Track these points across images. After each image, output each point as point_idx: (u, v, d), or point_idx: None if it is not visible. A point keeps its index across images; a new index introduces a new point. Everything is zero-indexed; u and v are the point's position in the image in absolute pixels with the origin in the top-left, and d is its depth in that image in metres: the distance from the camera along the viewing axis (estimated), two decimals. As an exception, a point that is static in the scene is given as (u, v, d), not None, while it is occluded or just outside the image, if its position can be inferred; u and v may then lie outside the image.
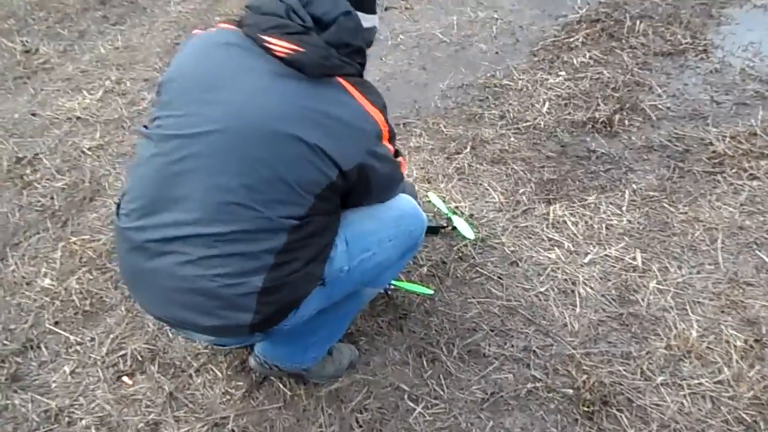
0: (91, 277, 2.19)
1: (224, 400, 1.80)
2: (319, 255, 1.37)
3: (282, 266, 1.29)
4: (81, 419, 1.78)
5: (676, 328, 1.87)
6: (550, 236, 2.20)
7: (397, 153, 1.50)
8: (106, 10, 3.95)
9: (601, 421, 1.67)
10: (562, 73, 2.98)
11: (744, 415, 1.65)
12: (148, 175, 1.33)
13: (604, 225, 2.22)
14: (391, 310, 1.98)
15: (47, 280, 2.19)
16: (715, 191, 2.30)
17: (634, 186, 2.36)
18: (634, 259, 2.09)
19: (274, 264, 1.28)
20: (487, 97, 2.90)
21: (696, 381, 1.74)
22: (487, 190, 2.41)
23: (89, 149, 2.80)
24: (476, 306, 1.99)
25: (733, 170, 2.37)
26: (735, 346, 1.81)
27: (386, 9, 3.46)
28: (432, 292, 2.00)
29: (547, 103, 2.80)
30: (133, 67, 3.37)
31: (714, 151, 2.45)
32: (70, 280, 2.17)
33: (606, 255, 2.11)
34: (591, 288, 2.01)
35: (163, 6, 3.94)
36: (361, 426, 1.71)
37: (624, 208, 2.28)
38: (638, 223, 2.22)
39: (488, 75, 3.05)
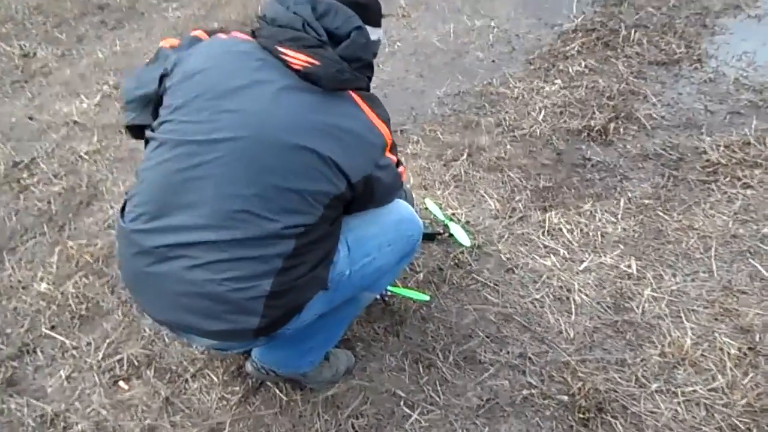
0: (87, 282, 2.19)
1: (220, 405, 1.80)
2: (325, 259, 1.39)
3: (290, 270, 1.31)
4: (77, 424, 1.78)
5: (671, 335, 1.89)
6: (546, 243, 2.21)
7: (398, 163, 1.53)
8: (105, 15, 3.96)
9: (596, 427, 1.68)
10: (558, 81, 3.00)
11: (738, 423, 1.66)
12: (158, 179, 1.33)
13: (599, 232, 2.23)
14: (387, 317, 1.99)
15: (44, 285, 2.19)
16: (709, 200, 2.32)
17: (629, 194, 2.38)
18: (629, 266, 2.10)
19: (282, 268, 1.29)
20: (484, 105, 2.92)
21: (690, 388, 1.75)
22: (484, 197, 2.42)
23: (86, 154, 2.81)
24: (472, 312, 2.00)
25: (727, 179, 2.39)
26: (729, 353, 1.82)
27: (383, 17, 3.47)
28: (428, 298, 2.01)
29: (542, 111, 2.82)
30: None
31: (708, 160, 2.48)
32: (66, 285, 2.18)
33: (601, 262, 2.13)
34: (586, 295, 2.03)
35: (161, 12, 3.95)
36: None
37: (619, 216, 2.29)
38: (633, 230, 2.23)
39: (485, 83, 3.07)
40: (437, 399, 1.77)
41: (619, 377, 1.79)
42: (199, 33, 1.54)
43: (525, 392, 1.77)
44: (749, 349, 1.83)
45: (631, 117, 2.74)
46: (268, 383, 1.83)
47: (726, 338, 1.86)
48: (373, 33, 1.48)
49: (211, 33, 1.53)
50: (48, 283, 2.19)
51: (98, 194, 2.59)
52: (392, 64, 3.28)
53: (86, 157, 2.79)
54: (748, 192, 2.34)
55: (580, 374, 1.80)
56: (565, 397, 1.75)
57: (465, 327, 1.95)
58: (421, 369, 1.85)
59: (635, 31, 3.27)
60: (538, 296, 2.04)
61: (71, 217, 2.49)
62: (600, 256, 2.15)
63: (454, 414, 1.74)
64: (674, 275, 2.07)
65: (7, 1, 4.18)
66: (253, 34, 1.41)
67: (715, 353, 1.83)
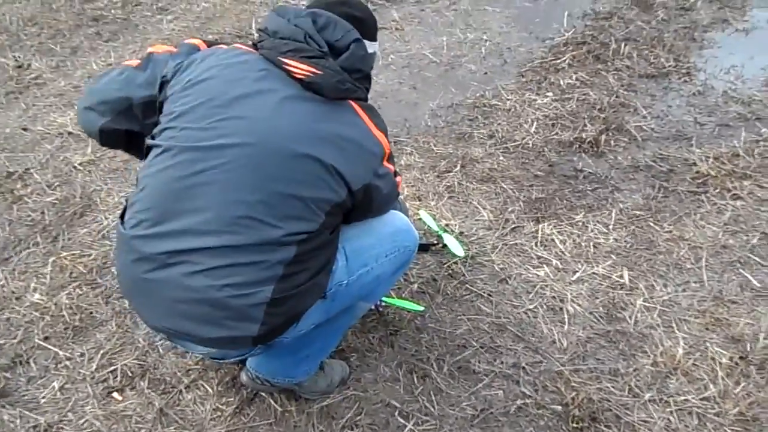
0: (81, 293, 2.19)
1: (215, 416, 1.80)
2: (324, 267, 1.40)
3: (291, 277, 1.32)
4: (70, 435, 1.78)
5: (663, 345, 1.90)
6: (539, 254, 2.23)
7: (395, 173, 1.54)
8: (99, 26, 3.97)
9: (589, 437, 1.69)
10: (550, 94, 3.04)
11: (729, 432, 1.68)
12: (160, 185, 1.34)
13: (591, 243, 2.25)
14: (382, 327, 2.00)
15: (37, 295, 2.18)
16: (699, 210, 2.35)
17: (621, 205, 2.41)
18: (621, 277, 2.12)
19: (283, 275, 1.30)
20: (477, 117, 2.94)
21: (682, 398, 1.77)
22: (477, 208, 2.44)
23: (80, 164, 2.81)
24: (466, 323, 2.01)
25: (717, 190, 2.42)
26: (720, 363, 1.84)
27: (378, 29, 3.50)
28: (422, 308, 2.02)
29: (535, 123, 2.85)
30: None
31: (698, 172, 2.51)
32: (60, 296, 2.17)
33: (593, 273, 2.15)
34: (579, 305, 2.04)
35: (155, 24, 3.97)
36: (352, 442, 1.72)
37: (611, 227, 2.32)
38: (625, 241, 2.26)
39: (477, 95, 3.10)
40: (432, 409, 1.78)
41: (612, 387, 1.80)
42: (196, 42, 1.55)
43: (519, 402, 1.78)
44: (740, 358, 1.85)
45: (621, 129, 2.77)
46: (263, 394, 1.83)
47: (717, 348, 1.88)
48: (370, 47, 1.51)
49: (209, 43, 1.54)
50: (41, 294, 2.18)
51: (92, 205, 2.59)
52: (386, 76, 3.31)
53: (80, 167, 2.79)
54: (738, 203, 2.37)
55: (573, 384, 1.81)
56: (559, 407, 1.76)
57: (459, 337, 1.96)
58: (415, 379, 1.86)
59: (625, 45, 3.31)
60: (531, 306, 2.05)
61: (65, 227, 2.48)
62: (592, 267, 2.17)
63: (448, 424, 1.74)
64: (666, 285, 2.09)
65: (1, 12, 4.19)
66: (254, 46, 1.43)
67: (707, 363, 1.85)
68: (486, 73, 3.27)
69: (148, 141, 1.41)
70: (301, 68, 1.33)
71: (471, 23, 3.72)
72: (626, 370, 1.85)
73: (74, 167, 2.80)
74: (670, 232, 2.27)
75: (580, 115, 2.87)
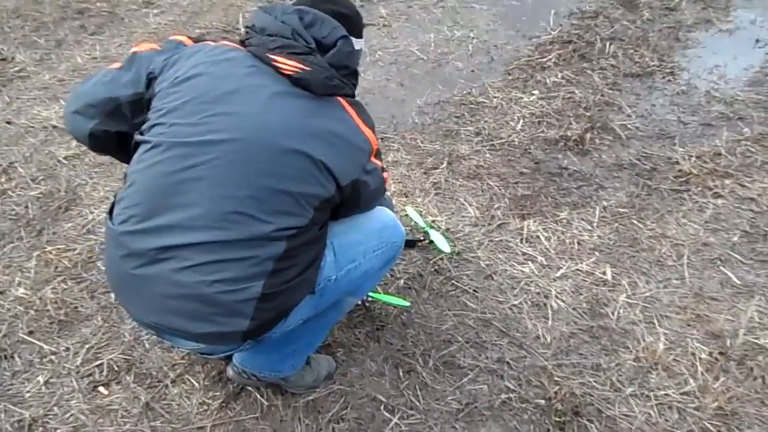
0: (66, 287, 2.18)
1: (201, 410, 1.80)
2: (313, 263, 1.41)
3: (281, 273, 1.32)
4: (55, 429, 1.77)
5: (644, 340, 1.94)
6: (524, 251, 2.25)
7: (383, 168, 1.56)
8: (84, 19, 3.94)
9: (572, 431, 1.71)
10: (536, 92, 3.06)
11: (709, 426, 1.71)
12: (149, 181, 1.34)
13: (575, 240, 2.28)
14: (368, 322, 2.01)
15: (21, 290, 2.17)
16: (681, 208, 2.39)
17: (605, 203, 2.44)
18: (605, 273, 2.15)
19: (273, 270, 1.31)
20: (463, 114, 2.96)
21: (663, 392, 1.80)
22: (463, 204, 2.46)
23: (65, 158, 2.79)
24: (452, 318, 2.03)
25: (699, 188, 2.46)
26: (700, 358, 1.87)
27: (364, 26, 3.51)
28: (409, 304, 2.03)
29: (521, 121, 2.87)
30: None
31: (680, 170, 2.54)
32: (44, 290, 2.16)
33: (577, 269, 2.17)
34: (563, 301, 2.07)
35: (141, 17, 3.94)
36: (337, 436, 1.73)
37: (595, 224, 2.34)
38: (608, 238, 2.29)
39: (464, 92, 3.12)
40: (417, 403, 1.80)
41: (595, 381, 1.83)
42: (182, 38, 1.54)
43: (503, 396, 1.80)
44: (720, 353, 1.89)
45: (606, 127, 2.80)
46: (249, 388, 1.84)
47: (698, 343, 1.92)
48: (356, 43, 1.52)
49: (195, 40, 1.54)
50: (26, 288, 2.17)
51: (77, 199, 2.58)
52: (373, 73, 3.31)
53: (65, 161, 2.77)
54: (719, 201, 2.41)
55: (556, 378, 1.83)
56: (542, 401, 1.79)
57: (445, 332, 1.98)
58: (401, 374, 1.87)
59: (610, 44, 3.35)
60: (516, 302, 2.07)
61: (49, 221, 2.47)
62: (576, 263, 2.19)
63: (433, 418, 1.76)
64: (648, 282, 2.12)
65: (-16, 4, 4.14)
66: (241, 43, 1.44)
67: (687, 358, 1.88)
68: (473, 71, 3.29)
69: (137, 137, 1.40)
70: (289, 64, 1.34)
71: (458, 20, 3.73)
72: (608, 365, 1.88)
73: (59, 161, 2.78)
74: (653, 229, 2.31)
75: (565, 113, 2.90)
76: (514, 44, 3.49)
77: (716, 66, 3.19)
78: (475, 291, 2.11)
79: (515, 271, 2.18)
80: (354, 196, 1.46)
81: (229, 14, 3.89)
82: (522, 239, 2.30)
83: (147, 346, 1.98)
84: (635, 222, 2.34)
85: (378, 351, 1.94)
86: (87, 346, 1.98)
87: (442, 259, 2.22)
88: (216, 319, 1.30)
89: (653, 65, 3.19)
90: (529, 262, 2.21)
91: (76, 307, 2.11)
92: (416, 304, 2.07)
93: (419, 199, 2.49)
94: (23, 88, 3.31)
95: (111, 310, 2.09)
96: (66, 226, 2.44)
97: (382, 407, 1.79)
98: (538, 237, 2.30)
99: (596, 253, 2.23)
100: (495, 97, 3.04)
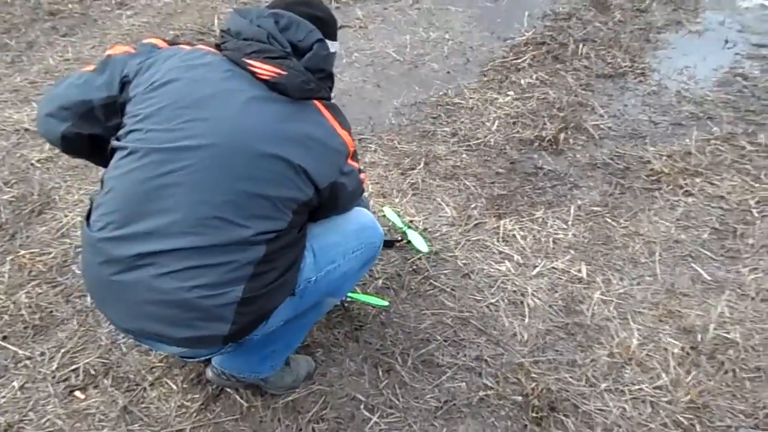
0: (40, 291, 2.15)
1: (180, 413, 1.79)
2: (293, 265, 1.42)
3: (261, 276, 1.33)
4: (31, 435, 1.75)
5: (618, 336, 1.97)
6: (501, 249, 2.28)
7: (359, 170, 1.57)
8: (56, 21, 3.89)
9: (549, 426, 1.74)
10: (511, 92, 3.10)
11: (681, 419, 1.75)
12: (127, 187, 1.33)
13: (551, 239, 2.32)
14: (347, 322, 2.02)
15: (-6, 295, 2.14)
16: (653, 207, 2.44)
17: (579, 201, 2.48)
18: (580, 271, 2.19)
19: (253, 274, 1.31)
20: (440, 115, 2.98)
21: (637, 387, 1.84)
22: (440, 204, 2.48)
23: (38, 161, 2.75)
24: (430, 317, 2.04)
25: (670, 187, 2.52)
26: (673, 353, 1.92)
27: (340, 27, 3.52)
28: (387, 304, 2.05)
29: (496, 122, 2.90)
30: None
31: (652, 169, 2.60)
32: (19, 294, 2.13)
33: (553, 267, 2.21)
34: (539, 299, 2.10)
35: (114, 19, 3.90)
36: (317, 436, 1.74)
37: (569, 223, 2.38)
38: (583, 237, 2.32)
39: (440, 93, 3.14)
40: (396, 402, 1.81)
41: (570, 377, 1.86)
42: (156, 41, 1.53)
43: (481, 393, 1.83)
44: (691, 348, 1.93)
45: (580, 127, 2.85)
46: (229, 390, 1.83)
47: (670, 338, 1.96)
48: (331, 46, 1.53)
49: (170, 42, 1.53)
50: (-1, 293, 2.14)
51: (51, 202, 2.55)
52: (350, 74, 3.32)
53: (38, 165, 2.74)
54: (689, 199, 2.46)
55: (533, 375, 1.86)
56: (520, 398, 1.81)
57: (423, 331, 2.00)
58: (380, 373, 1.88)
59: (583, 45, 3.40)
60: (493, 300, 2.10)
61: (23, 225, 2.43)
62: (552, 262, 2.23)
63: (413, 416, 1.77)
64: (621, 279, 2.16)
65: (-48, 4, 4.07)
66: (217, 47, 1.44)
67: (660, 353, 1.92)
68: (449, 72, 3.32)
69: (113, 143, 1.40)
70: (265, 69, 1.35)
71: (434, 22, 3.76)
72: (583, 361, 1.91)
73: (32, 164, 2.74)
74: (626, 227, 2.35)
75: (540, 113, 2.94)
76: (489, 46, 3.52)
77: (686, 67, 3.26)
78: (453, 290, 2.13)
79: (492, 270, 2.20)
80: (332, 199, 1.47)
81: (204, 16, 3.87)
82: (498, 238, 2.32)
83: (124, 349, 1.96)
84: (609, 220, 2.38)
85: (357, 351, 1.95)
86: (63, 350, 1.96)
87: (420, 258, 2.24)
88: (196, 324, 1.31)
89: (625, 66, 3.25)
90: (506, 261, 2.24)
91: (51, 312, 2.09)
92: (395, 304, 2.08)
93: (397, 200, 2.50)
94: (-6, 90, 3.26)
95: (87, 314, 2.07)
96: (40, 230, 2.41)
97: (361, 406, 1.80)
98: (514, 236, 2.33)
99: (571, 251, 2.27)
100: (471, 98, 3.07)
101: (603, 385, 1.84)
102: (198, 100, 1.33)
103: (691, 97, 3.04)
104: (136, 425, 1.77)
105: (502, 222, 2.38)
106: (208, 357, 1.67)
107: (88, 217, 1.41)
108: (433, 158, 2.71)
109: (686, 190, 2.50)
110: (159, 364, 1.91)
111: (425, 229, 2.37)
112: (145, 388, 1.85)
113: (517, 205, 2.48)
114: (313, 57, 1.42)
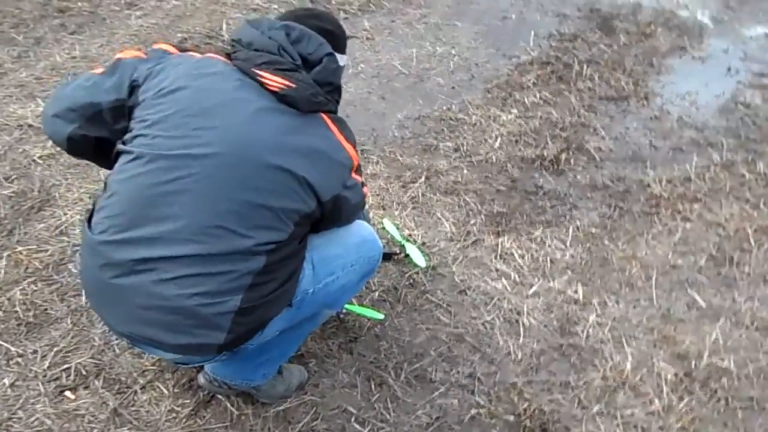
0: (36, 289, 2.14)
1: (170, 417, 1.79)
2: (292, 276, 1.42)
3: (259, 287, 1.33)
4: (19, 434, 1.74)
5: (612, 360, 1.97)
6: (498, 267, 2.28)
7: (362, 183, 1.58)
8: (65, 18, 3.89)
9: (539, 447, 1.74)
10: (514, 110, 3.11)
11: (672, 445, 1.75)
12: (131, 192, 1.33)
13: (548, 258, 2.32)
14: (342, 333, 2.02)
15: (-11, 290, 2.13)
16: (651, 231, 2.45)
17: (578, 222, 2.48)
18: (576, 292, 2.19)
19: (252, 284, 1.31)
20: (443, 130, 2.99)
21: (629, 411, 1.84)
22: (440, 219, 2.48)
23: (40, 158, 2.75)
24: (425, 332, 2.04)
25: (668, 211, 2.53)
26: (666, 379, 1.92)
27: (348, 38, 3.53)
28: (383, 316, 2.05)
29: (499, 139, 2.91)
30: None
31: (651, 193, 2.61)
32: (14, 291, 2.12)
33: (550, 287, 2.21)
34: (534, 318, 2.10)
35: (123, 19, 3.91)
36: (307, 447, 1.73)
37: (568, 243, 2.39)
38: (580, 258, 2.33)
39: (444, 108, 3.15)
40: (387, 416, 1.81)
41: (563, 399, 1.86)
42: (167, 47, 1.54)
43: (473, 411, 1.82)
44: (685, 374, 1.93)
45: (581, 148, 2.86)
46: (220, 396, 1.83)
47: (664, 364, 1.96)
48: (340, 59, 1.54)
49: (181, 49, 1.54)
50: (-6, 289, 2.14)
51: (51, 200, 2.54)
52: (355, 85, 3.33)
53: (39, 161, 2.73)
54: (688, 225, 2.47)
55: (526, 395, 1.86)
56: (511, 417, 1.81)
57: (417, 346, 2.00)
58: (372, 386, 1.88)
59: (587, 67, 3.42)
60: (488, 318, 2.10)
61: (21, 221, 2.43)
62: (549, 282, 2.23)
63: (403, 431, 1.77)
64: (618, 302, 2.17)
65: (-39, -3, 4.07)
66: (228, 56, 1.45)
67: (654, 378, 1.92)
68: (453, 87, 3.33)
69: (119, 146, 1.40)
70: (275, 81, 1.35)
71: (441, 37, 3.78)
72: (577, 383, 1.91)
73: (33, 160, 2.74)
74: (624, 250, 2.36)
75: (542, 133, 2.95)
76: (494, 63, 3.54)
77: (688, 92, 3.28)
78: (449, 306, 2.13)
79: (489, 287, 2.21)
80: (335, 211, 1.47)
81: (212, 20, 3.88)
82: (496, 256, 2.33)
83: (117, 351, 1.95)
84: (607, 242, 2.39)
85: (350, 362, 1.94)
86: (55, 349, 1.95)
87: (417, 272, 2.24)
88: (192, 331, 1.31)
89: (628, 90, 3.26)
90: (503, 279, 2.24)
91: (45, 310, 2.08)
92: (390, 317, 2.08)
93: (396, 213, 2.51)
94: (-1, 84, 3.27)
95: (81, 313, 2.07)
96: (38, 227, 2.41)
97: (352, 419, 1.80)
98: (512, 254, 2.33)
99: (568, 271, 2.27)
100: (474, 114, 3.08)
101: (595, 408, 1.84)
102: (206, 109, 1.34)
103: (693, 123, 3.05)
104: (126, 428, 1.76)
105: (500, 239, 2.39)
106: (201, 363, 1.66)
107: (89, 220, 1.41)
108: (435, 173, 2.71)
109: (685, 216, 2.51)
110: (151, 368, 1.90)
111: (423, 243, 2.37)
112: (136, 391, 1.85)
113: (516, 224, 2.48)
114: (323, 70, 1.43)
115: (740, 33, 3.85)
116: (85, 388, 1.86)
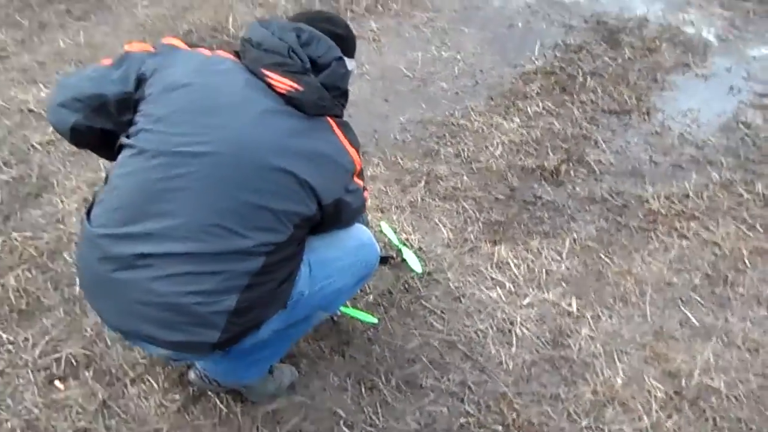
0: (29, 276, 2.14)
1: (158, 412, 1.79)
2: (288, 278, 1.42)
3: (256, 287, 1.33)
4: (7, 421, 1.74)
5: (603, 374, 1.98)
6: (493, 276, 2.28)
7: (364, 188, 1.58)
8: (71, 4, 3.87)
9: (526, 458, 1.74)
10: (516, 119, 3.11)
11: (658, 462, 1.76)
12: (133, 186, 1.33)
13: (544, 269, 2.32)
14: (334, 336, 2.02)
15: (-17, 275, 2.12)
16: (647, 247, 2.45)
17: (575, 235, 2.49)
18: (570, 304, 2.20)
19: (248, 285, 1.31)
20: (445, 135, 2.99)
21: (617, 427, 1.84)
22: (438, 225, 2.48)
23: (39, 144, 2.74)
24: (417, 338, 2.04)
25: (665, 228, 2.53)
26: (656, 396, 1.92)
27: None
28: (376, 320, 2.05)
29: (500, 147, 2.92)
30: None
31: (649, 209, 2.61)
32: (7, 277, 2.12)
33: (544, 299, 2.21)
34: (527, 329, 2.10)
35: (130, 8, 3.90)
36: (295, 448, 1.73)
37: (564, 255, 2.39)
38: (576, 270, 2.33)
39: (447, 113, 3.15)
40: (376, 421, 1.81)
41: (552, 411, 1.86)
42: (176, 42, 1.53)
43: (462, 420, 1.82)
44: (675, 393, 1.94)
45: (582, 160, 2.86)
46: (209, 393, 1.83)
47: (654, 381, 1.97)
48: (349, 63, 1.54)
49: (190, 45, 1.53)
50: (-13, 274, 2.13)
51: (48, 186, 2.53)
52: (359, 86, 3.33)
53: (39, 147, 2.73)
54: (684, 242, 2.48)
55: (515, 405, 1.86)
56: (500, 427, 1.81)
57: (409, 351, 2.00)
58: (363, 390, 1.88)
59: (591, 79, 3.42)
60: (481, 326, 2.10)
61: (18, 207, 2.42)
62: (543, 293, 2.23)
63: (392, 436, 1.77)
64: (611, 317, 2.17)
65: (-33, -22, 4.05)
66: (236, 54, 1.44)
67: (643, 395, 1.93)
68: (457, 93, 3.33)
69: (123, 140, 1.40)
70: (283, 82, 1.35)
71: (447, 42, 3.78)
72: (566, 395, 1.91)
73: (32, 146, 2.73)
74: (619, 265, 2.36)
75: (543, 143, 2.95)
76: (499, 70, 3.54)
77: (690, 109, 3.28)
78: (443, 312, 2.13)
79: (483, 296, 2.21)
80: (335, 215, 1.48)
81: (219, 13, 3.87)
82: (492, 264, 2.33)
83: (108, 342, 1.95)
84: (603, 256, 2.39)
85: (342, 365, 1.94)
86: (47, 337, 1.95)
87: (412, 278, 2.24)
88: (187, 329, 1.30)
89: (631, 104, 3.26)
90: (498, 288, 2.24)
91: (38, 297, 2.07)
92: (383, 321, 2.08)
93: (394, 216, 2.51)
94: (1, 68, 3.25)
95: (74, 302, 2.06)
96: (35, 214, 2.40)
97: (341, 422, 1.80)
98: (508, 263, 2.34)
99: (563, 284, 2.28)
100: (476, 121, 3.08)
101: (584, 422, 1.84)
102: (212, 107, 1.34)
103: (693, 140, 3.06)
104: (113, 420, 1.76)
105: (497, 248, 2.39)
106: (193, 361, 1.66)
107: (89, 212, 1.40)
108: (434, 177, 2.71)
109: (681, 233, 2.51)
110: (142, 361, 1.90)
111: (420, 248, 2.37)
112: (125, 384, 1.84)
113: (514, 233, 2.48)
114: (331, 74, 1.43)
115: (744, 53, 3.86)
116: (75, 378, 1.86)
